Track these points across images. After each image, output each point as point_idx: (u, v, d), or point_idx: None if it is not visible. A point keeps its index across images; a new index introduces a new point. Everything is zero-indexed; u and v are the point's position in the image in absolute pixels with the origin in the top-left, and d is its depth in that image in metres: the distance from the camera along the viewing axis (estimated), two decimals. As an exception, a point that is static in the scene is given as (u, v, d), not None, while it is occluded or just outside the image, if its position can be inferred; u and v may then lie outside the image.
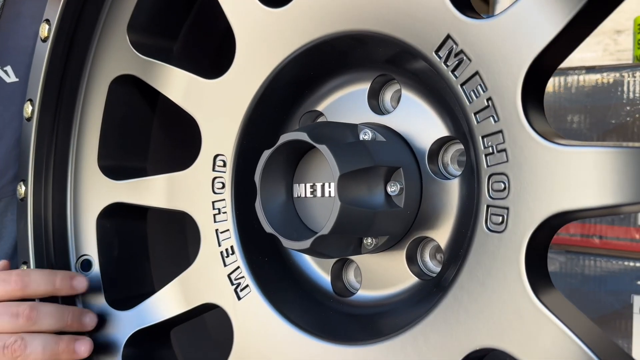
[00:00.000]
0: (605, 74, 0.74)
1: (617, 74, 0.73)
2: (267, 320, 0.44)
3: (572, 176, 0.30)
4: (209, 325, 0.60)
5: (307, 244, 0.37)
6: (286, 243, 0.38)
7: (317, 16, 0.42)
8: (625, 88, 0.72)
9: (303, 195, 0.40)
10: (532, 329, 0.31)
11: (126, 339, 0.50)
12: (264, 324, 0.44)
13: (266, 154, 0.40)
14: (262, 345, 0.44)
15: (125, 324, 0.50)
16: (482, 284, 0.33)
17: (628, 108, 0.71)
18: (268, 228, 0.39)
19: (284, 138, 0.38)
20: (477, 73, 0.34)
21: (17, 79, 0.64)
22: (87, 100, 0.53)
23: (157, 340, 0.52)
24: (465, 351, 0.33)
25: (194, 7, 0.54)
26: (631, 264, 0.74)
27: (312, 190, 0.40)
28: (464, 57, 0.35)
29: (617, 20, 1.15)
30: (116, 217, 0.54)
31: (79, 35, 0.51)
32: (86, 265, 0.53)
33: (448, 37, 0.35)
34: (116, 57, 0.51)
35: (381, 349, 0.38)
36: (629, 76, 0.72)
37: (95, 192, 0.53)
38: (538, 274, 0.32)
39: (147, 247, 0.56)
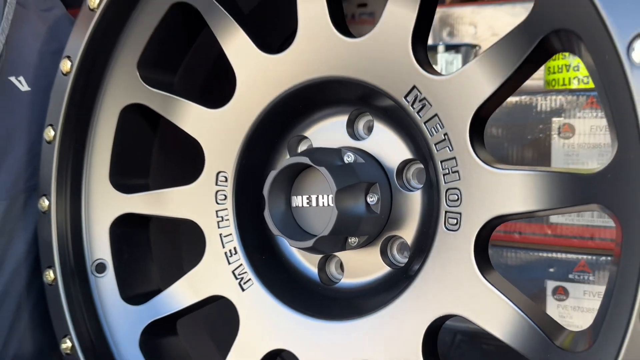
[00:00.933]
0: (522, 97, 0.89)
1: (532, 97, 0.88)
2: (267, 306, 0.55)
3: (505, 191, 0.43)
4: (205, 318, 0.69)
5: (310, 243, 0.48)
6: (292, 243, 0.49)
7: (309, 62, 0.53)
8: (538, 109, 0.87)
9: (300, 205, 0.51)
10: (480, 300, 0.43)
11: (142, 329, 0.59)
12: (266, 308, 0.55)
13: (273, 173, 0.50)
14: (264, 325, 0.55)
15: (141, 317, 0.59)
16: (443, 268, 0.45)
17: (541, 126, 0.86)
18: (276, 232, 0.50)
19: (290, 161, 0.49)
20: (436, 115, 0.46)
21: (29, 89, 0.71)
22: (100, 125, 0.61)
23: (166, 330, 0.61)
24: (433, 317, 0.45)
25: (192, 48, 0.63)
26: (544, 254, 0.90)
27: (308, 201, 0.51)
28: (427, 103, 0.47)
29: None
30: (126, 225, 0.63)
31: (95, 69, 0.59)
32: (100, 268, 0.62)
33: (414, 87, 0.47)
34: (127, 88, 0.60)
35: (365, 322, 0.50)
36: (541, 99, 0.88)
37: (108, 204, 0.62)
38: (483, 260, 0.45)
39: (151, 250, 0.65)
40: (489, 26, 1.15)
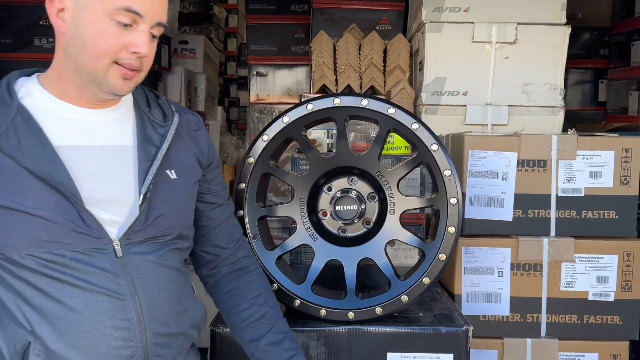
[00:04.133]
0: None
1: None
2: (324, 244, 1.55)
3: (406, 203, 1.51)
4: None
5: (350, 220, 1.50)
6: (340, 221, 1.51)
7: (341, 160, 1.54)
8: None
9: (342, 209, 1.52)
10: (403, 234, 1.50)
11: (275, 258, 1.54)
12: (324, 246, 1.55)
13: (334, 199, 1.51)
14: (324, 252, 1.54)
15: (274, 253, 1.54)
16: (389, 226, 1.51)
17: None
18: (335, 219, 1.51)
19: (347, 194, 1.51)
20: (386, 180, 1.52)
21: (176, 177, 1.13)
22: (252, 181, 1.54)
23: (280, 259, 1.57)
24: (387, 241, 1.51)
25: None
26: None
27: (343, 208, 1.52)
28: (382, 176, 1.52)
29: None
30: (260, 220, 1.57)
31: (258, 160, 1.52)
32: (254, 237, 1.55)
33: (378, 171, 1.52)
34: (264, 165, 1.54)
35: (360, 247, 1.53)
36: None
37: (255, 212, 1.55)
38: (402, 223, 1.52)
39: (266, 231, 1.60)
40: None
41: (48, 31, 2.89)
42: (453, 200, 1.42)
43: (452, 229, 1.42)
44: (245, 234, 1.50)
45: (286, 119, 1.47)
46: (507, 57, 2.25)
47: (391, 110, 1.44)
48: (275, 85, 4.48)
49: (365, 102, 1.45)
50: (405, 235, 1.50)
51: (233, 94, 7.06)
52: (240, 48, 7.15)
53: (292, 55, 4.51)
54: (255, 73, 4.51)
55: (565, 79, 2.43)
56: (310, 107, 1.46)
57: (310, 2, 3.12)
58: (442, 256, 1.43)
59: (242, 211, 1.51)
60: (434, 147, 1.42)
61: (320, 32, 2.52)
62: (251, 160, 1.49)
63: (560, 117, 2.26)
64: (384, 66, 2.52)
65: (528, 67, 2.26)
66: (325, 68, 2.45)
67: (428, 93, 2.25)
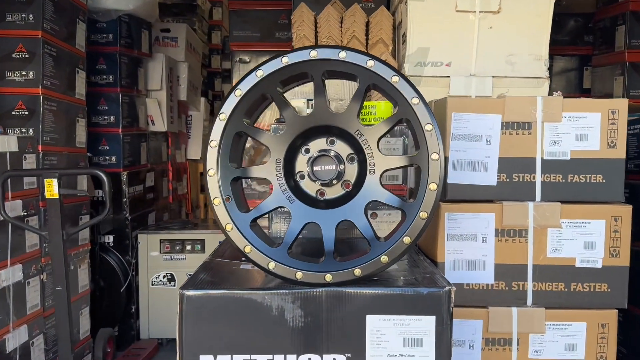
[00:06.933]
0: (362, 124, 1.94)
1: (366, 124, 1.94)
2: (301, 207, 1.48)
3: (387, 162, 1.44)
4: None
5: (328, 180, 1.44)
6: (320, 182, 1.44)
7: (317, 119, 1.47)
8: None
9: (320, 169, 1.46)
10: (383, 195, 1.44)
11: (250, 220, 1.47)
12: (301, 208, 1.48)
13: (311, 159, 1.44)
14: (302, 214, 1.47)
15: (249, 216, 1.47)
16: (369, 186, 1.45)
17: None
18: (314, 179, 1.44)
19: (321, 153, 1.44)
20: (365, 139, 1.45)
21: None
22: (225, 140, 1.47)
23: (255, 222, 1.50)
24: (367, 202, 1.44)
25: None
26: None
27: (321, 169, 1.46)
28: (362, 135, 1.46)
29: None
30: (234, 182, 1.50)
31: (231, 117, 1.45)
32: (228, 198, 1.47)
33: (357, 130, 1.46)
34: (237, 124, 1.47)
35: (338, 209, 1.46)
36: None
37: (229, 172, 1.48)
38: (382, 184, 1.45)
39: (241, 193, 1.53)
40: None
41: None
42: (434, 156, 1.36)
43: (433, 186, 1.36)
44: (221, 193, 1.43)
45: (260, 73, 1.41)
46: (491, 27, 2.20)
47: (370, 63, 1.38)
48: (258, 72, 4.40)
49: (343, 55, 1.38)
50: (385, 196, 1.43)
51: (217, 87, 6.98)
52: (224, 41, 7.07)
53: (275, 41, 4.43)
54: (238, 60, 4.43)
55: (550, 66, 2.37)
56: (285, 60, 1.40)
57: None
58: (423, 214, 1.36)
59: (213, 170, 1.43)
60: (415, 100, 1.36)
61: (301, 4, 2.46)
62: (223, 116, 1.42)
63: (545, 88, 2.22)
64: (367, 40, 2.46)
65: (512, 37, 2.21)
66: (306, 41, 2.39)
67: (411, 64, 2.20)
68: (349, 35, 2.41)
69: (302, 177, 1.51)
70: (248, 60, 4.42)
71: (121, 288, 3.79)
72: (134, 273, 3.87)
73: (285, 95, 1.50)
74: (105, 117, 3.87)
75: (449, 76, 2.21)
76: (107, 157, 3.86)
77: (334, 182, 1.47)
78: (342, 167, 1.47)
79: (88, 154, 3.43)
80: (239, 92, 1.41)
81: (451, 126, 1.66)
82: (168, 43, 5.01)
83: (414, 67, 2.21)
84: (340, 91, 2.34)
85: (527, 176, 1.68)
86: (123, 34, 3.92)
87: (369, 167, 1.45)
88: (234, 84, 1.38)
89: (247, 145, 3.52)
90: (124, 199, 3.87)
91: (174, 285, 3.85)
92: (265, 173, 1.48)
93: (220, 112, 1.42)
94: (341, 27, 2.46)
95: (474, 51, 2.21)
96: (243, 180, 1.55)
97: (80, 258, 3.24)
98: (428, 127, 1.36)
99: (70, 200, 3.06)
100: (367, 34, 2.49)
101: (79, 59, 3.27)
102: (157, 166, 4.51)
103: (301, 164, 1.50)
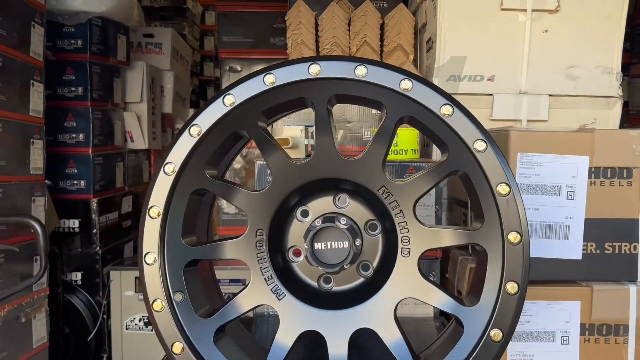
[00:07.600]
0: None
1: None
2: (295, 305, 0.95)
3: (429, 238, 0.92)
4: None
5: (336, 269, 0.91)
6: (324, 269, 0.91)
7: (318, 170, 0.95)
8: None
9: (321, 248, 0.93)
10: (424, 290, 0.91)
11: (215, 329, 0.94)
12: (294, 308, 0.95)
13: (313, 231, 0.92)
14: (296, 318, 0.95)
15: (213, 323, 0.94)
16: (401, 275, 0.92)
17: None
18: (314, 264, 0.91)
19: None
20: (395, 200, 0.93)
21: None
22: (175, 205, 0.95)
23: (222, 330, 0.97)
24: (399, 299, 0.92)
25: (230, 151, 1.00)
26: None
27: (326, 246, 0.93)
28: (390, 194, 0.93)
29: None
30: (191, 267, 0.97)
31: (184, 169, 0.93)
32: (179, 296, 0.95)
33: (383, 185, 0.93)
34: (195, 178, 0.95)
35: (353, 310, 0.94)
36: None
37: (180, 255, 0.95)
38: (422, 270, 0.93)
39: (203, 282, 1.00)
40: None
41: None
42: (513, 237, 0.83)
43: (512, 287, 0.83)
44: (166, 289, 0.90)
45: (230, 100, 0.88)
46: (546, 31, 1.67)
47: (406, 84, 0.85)
48: (250, 83, 3.85)
49: (361, 71, 0.86)
50: (427, 292, 0.91)
51: (210, 97, 6.46)
52: (218, 47, 6.55)
53: (270, 47, 3.89)
54: (228, 68, 3.90)
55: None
56: (269, 79, 0.87)
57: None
58: (497, 333, 0.84)
59: (152, 255, 0.91)
60: (480, 145, 0.84)
61: (298, 2, 1.93)
62: (170, 168, 0.89)
63: (617, 110, 1.69)
64: (381, 46, 1.93)
65: (574, 44, 1.69)
66: (304, 48, 1.86)
67: (441, 78, 1.67)
68: (359, 40, 1.89)
69: (297, 254, 0.98)
70: (239, 69, 3.89)
71: (90, 335, 3.25)
72: (105, 316, 3.33)
73: (271, 128, 0.98)
74: (73, 135, 3.33)
75: (491, 94, 1.68)
76: (75, 182, 3.32)
77: (346, 265, 0.95)
78: (358, 242, 0.95)
79: (48, 181, 2.90)
80: (196, 131, 0.89)
81: (516, 173, 1.12)
82: (152, 49, 4.48)
83: (446, 82, 1.68)
84: (346, 108, 1.81)
85: (627, 246, 1.15)
86: (95, 39, 3.39)
87: (400, 245, 0.92)
88: (189, 117, 0.86)
89: (238, 165, 2.95)
90: (94, 230, 3.32)
91: (152, 330, 3.31)
92: (240, 251, 0.95)
93: (166, 162, 0.89)
94: (349, 30, 1.94)
95: (524, 62, 1.69)
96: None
97: (34, 307, 2.70)
98: (502, 190, 0.84)
99: (21, 239, 2.53)
100: (381, 39, 1.96)
101: (35, 69, 2.74)
102: (137, 188, 3.97)
103: (295, 235, 0.98)
